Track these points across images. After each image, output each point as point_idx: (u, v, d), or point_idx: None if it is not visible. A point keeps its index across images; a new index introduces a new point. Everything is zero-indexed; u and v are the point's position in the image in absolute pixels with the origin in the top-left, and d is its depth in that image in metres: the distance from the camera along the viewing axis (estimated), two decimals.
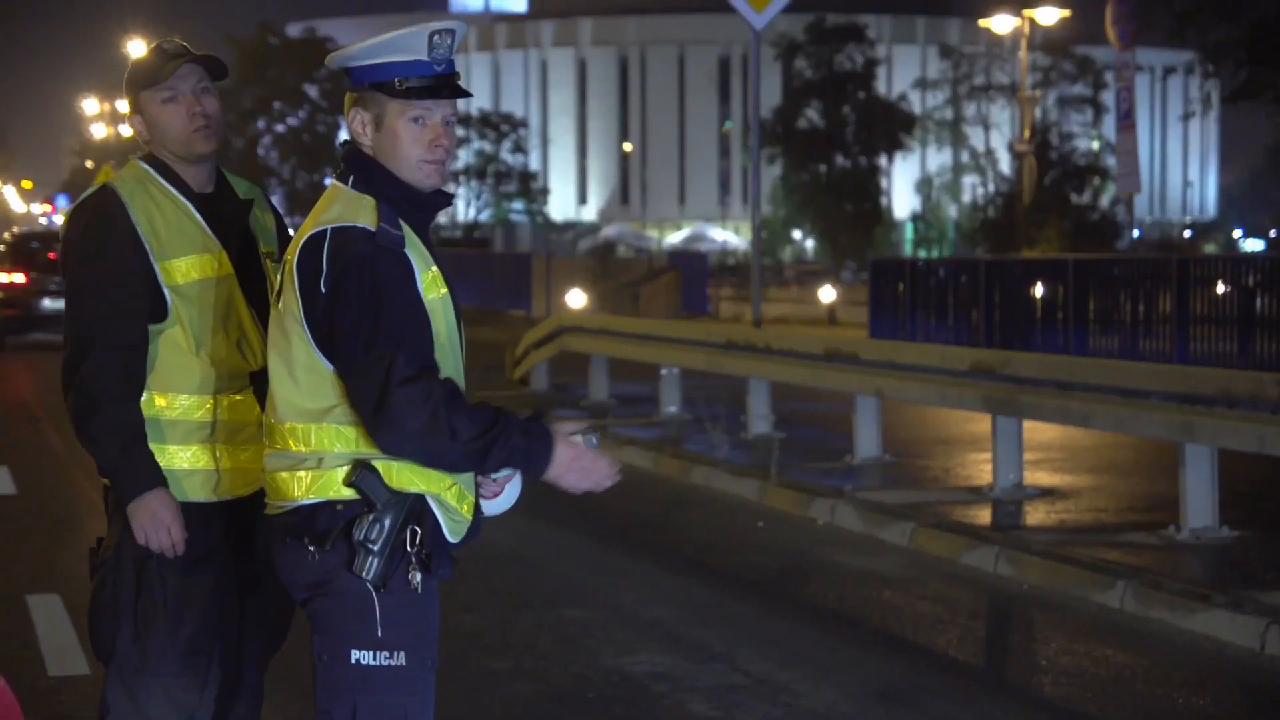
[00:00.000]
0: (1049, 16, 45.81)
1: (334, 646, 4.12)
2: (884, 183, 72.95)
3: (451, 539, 4.17)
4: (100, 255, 4.73)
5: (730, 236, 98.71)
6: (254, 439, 4.80)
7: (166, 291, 4.73)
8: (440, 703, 7.58)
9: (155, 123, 4.86)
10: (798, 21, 66.98)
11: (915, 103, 76.12)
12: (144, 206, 4.77)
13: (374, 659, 4.09)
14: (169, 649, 4.74)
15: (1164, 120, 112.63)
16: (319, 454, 4.10)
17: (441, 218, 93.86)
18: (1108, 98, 67.42)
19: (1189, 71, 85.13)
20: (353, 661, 4.10)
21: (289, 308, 4.11)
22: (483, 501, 4.34)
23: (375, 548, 4.04)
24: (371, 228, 4.07)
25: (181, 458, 4.74)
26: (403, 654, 4.10)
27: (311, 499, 4.10)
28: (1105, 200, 66.86)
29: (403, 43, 4.11)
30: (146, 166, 4.87)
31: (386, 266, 4.04)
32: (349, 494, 4.06)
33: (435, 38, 4.11)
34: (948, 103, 78.58)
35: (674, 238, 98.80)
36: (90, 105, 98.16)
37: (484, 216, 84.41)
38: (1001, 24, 48.55)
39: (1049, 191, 61.62)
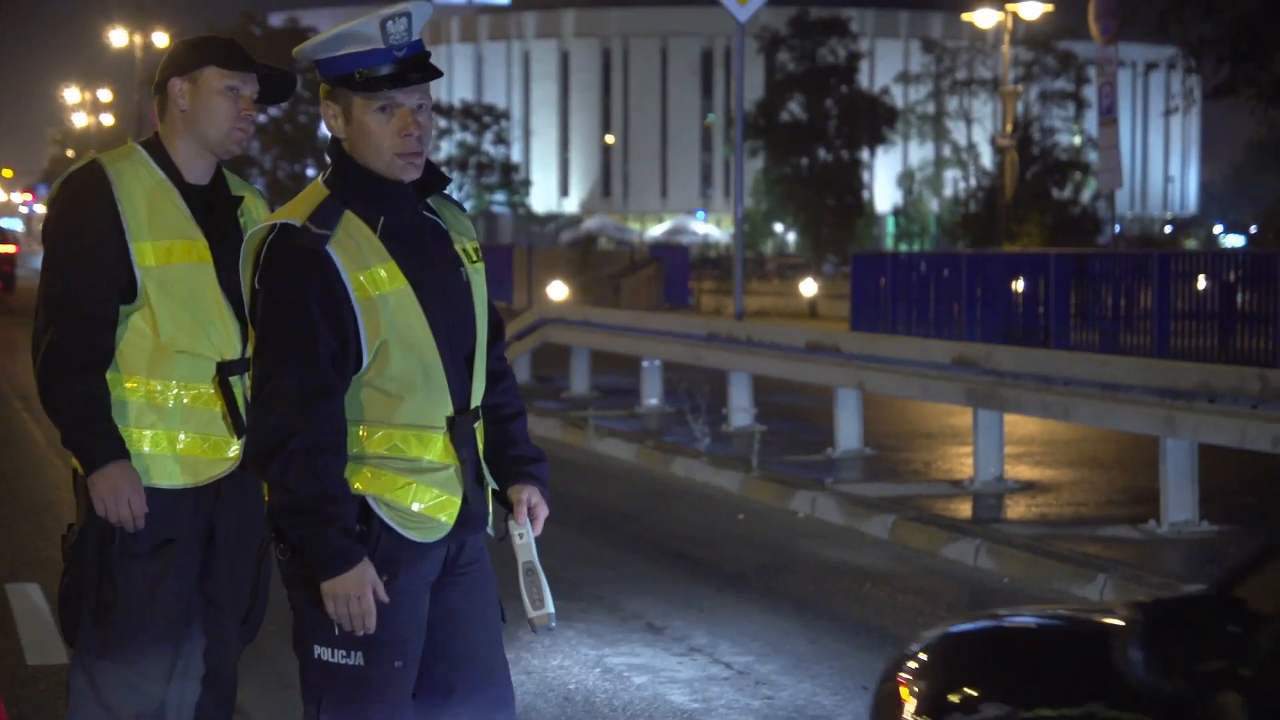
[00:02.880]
0: (1032, 11, 45.88)
1: (301, 640, 4.09)
2: (866, 176, 72.93)
3: (417, 538, 4.07)
4: (78, 227, 4.73)
5: (712, 229, 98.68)
6: (212, 429, 4.79)
7: (138, 272, 4.71)
8: None
9: (205, 104, 4.81)
10: (781, 14, 67.00)
11: (898, 97, 76.14)
12: (128, 185, 4.76)
13: (332, 656, 4.03)
14: (130, 635, 4.73)
15: (1145, 116, 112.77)
16: None
17: None
18: (1090, 93, 67.49)
19: (1171, 67, 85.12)
20: (315, 656, 4.06)
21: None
22: None
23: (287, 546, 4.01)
24: (296, 223, 3.97)
25: (144, 441, 4.72)
26: (360, 654, 4.01)
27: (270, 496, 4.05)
28: (1086, 195, 66.88)
29: (356, 33, 4.00)
30: (141, 149, 4.86)
31: (293, 268, 3.95)
32: None
33: (389, 24, 3.99)
34: (930, 97, 78.61)
35: (656, 230, 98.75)
36: (71, 94, 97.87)
37: (466, 208, 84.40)
38: (984, 18, 48.61)
39: (1030, 186, 61.63)
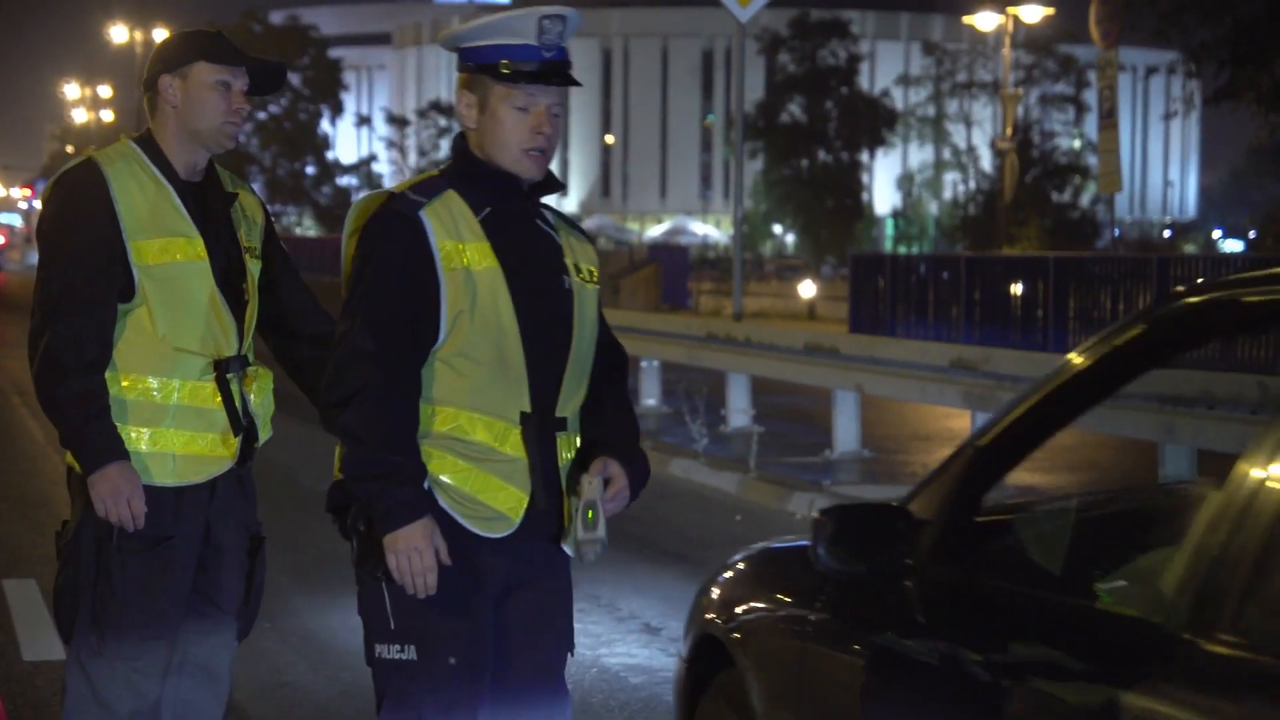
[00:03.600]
0: (1033, 14, 45.93)
1: (367, 641, 4.07)
2: (865, 178, 73.07)
3: (475, 530, 4.03)
4: (75, 226, 4.70)
5: (711, 230, 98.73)
6: (211, 426, 4.77)
7: (136, 271, 4.69)
8: None
9: (196, 98, 4.78)
10: (782, 16, 67.10)
11: (898, 99, 76.26)
12: (124, 183, 4.72)
13: (389, 652, 4.00)
14: (127, 633, 4.71)
15: (1145, 120, 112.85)
16: None
17: None
18: (1090, 96, 67.59)
19: (1171, 71, 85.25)
20: (377, 655, 4.03)
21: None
22: None
23: (354, 534, 3.98)
24: (397, 192, 4.06)
25: (142, 440, 4.70)
26: (412, 647, 3.98)
27: (336, 477, 4.06)
28: (1086, 199, 67.00)
29: (511, 25, 4.03)
30: (135, 146, 4.83)
31: (384, 230, 4.01)
32: None
33: (545, 23, 4.01)
34: (930, 99, 78.70)
35: (655, 231, 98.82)
36: (72, 90, 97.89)
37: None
38: (985, 21, 48.63)
39: (1030, 189, 61.73)
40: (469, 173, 4.09)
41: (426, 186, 4.06)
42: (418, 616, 3.96)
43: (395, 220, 4.00)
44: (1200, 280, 3.86)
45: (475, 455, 4.02)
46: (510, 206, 4.12)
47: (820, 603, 4.03)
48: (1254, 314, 3.45)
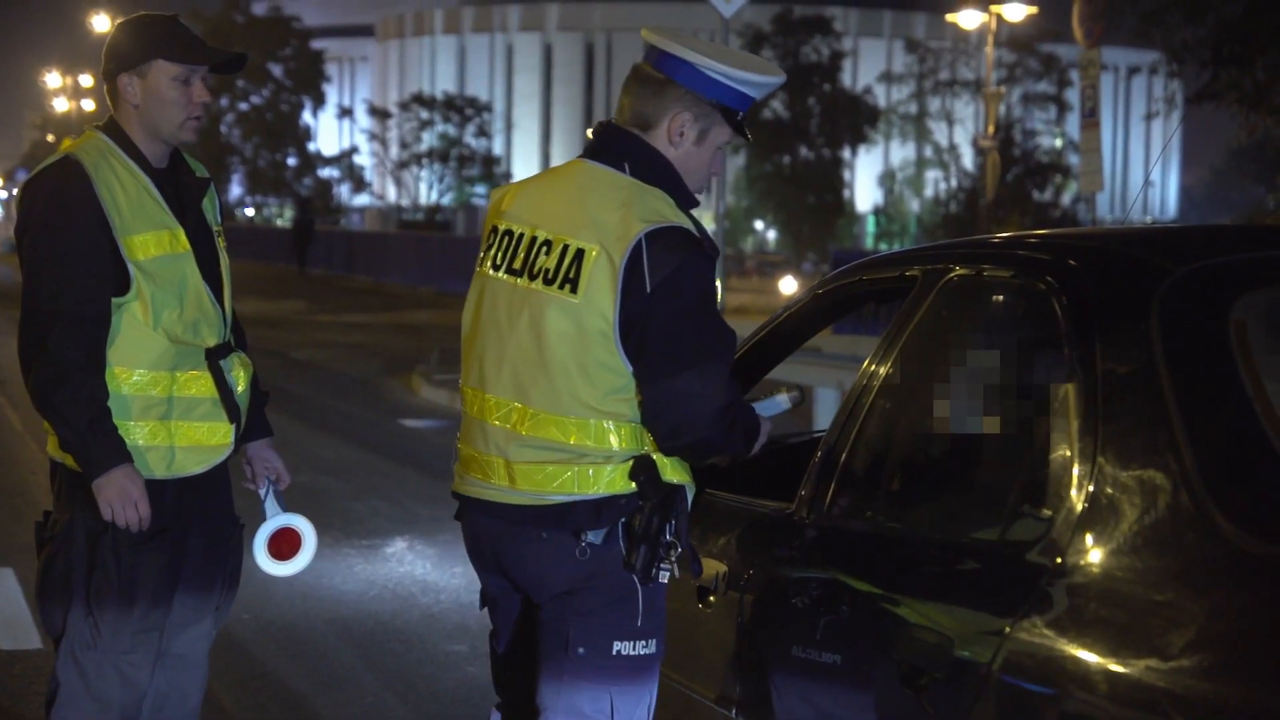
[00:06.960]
0: (1016, 13, 45.92)
1: (596, 639, 4.14)
2: (847, 175, 73.16)
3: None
4: (64, 227, 4.63)
5: None
6: (208, 416, 4.74)
7: (130, 267, 4.65)
8: (398, 681, 7.57)
9: (158, 96, 4.73)
10: (765, 12, 67.13)
11: (880, 96, 76.31)
12: (106, 180, 4.67)
13: (633, 649, 4.14)
14: (122, 626, 4.68)
15: (1127, 119, 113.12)
16: (608, 450, 4.11)
17: (404, 200, 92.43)
18: (1072, 95, 67.78)
19: (1153, 71, 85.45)
20: (614, 653, 4.14)
21: (596, 303, 4.06)
22: (270, 562, 4.99)
23: (652, 541, 4.10)
24: (695, 231, 4.12)
25: (138, 433, 4.67)
26: (654, 641, 4.18)
27: (596, 494, 4.11)
28: (1067, 198, 67.15)
29: (759, 82, 4.23)
30: (107, 138, 4.78)
31: (711, 275, 4.14)
32: (630, 488, 4.10)
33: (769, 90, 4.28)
34: (912, 97, 78.82)
35: None
36: (53, 79, 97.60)
37: (446, 200, 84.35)
38: (968, 19, 48.64)
39: (1011, 188, 61.84)
40: (683, 202, 4.24)
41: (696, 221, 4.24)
42: (656, 613, 4.18)
43: (711, 266, 4.18)
44: (843, 267, 4.98)
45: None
46: None
47: None
48: (872, 289, 4.75)
